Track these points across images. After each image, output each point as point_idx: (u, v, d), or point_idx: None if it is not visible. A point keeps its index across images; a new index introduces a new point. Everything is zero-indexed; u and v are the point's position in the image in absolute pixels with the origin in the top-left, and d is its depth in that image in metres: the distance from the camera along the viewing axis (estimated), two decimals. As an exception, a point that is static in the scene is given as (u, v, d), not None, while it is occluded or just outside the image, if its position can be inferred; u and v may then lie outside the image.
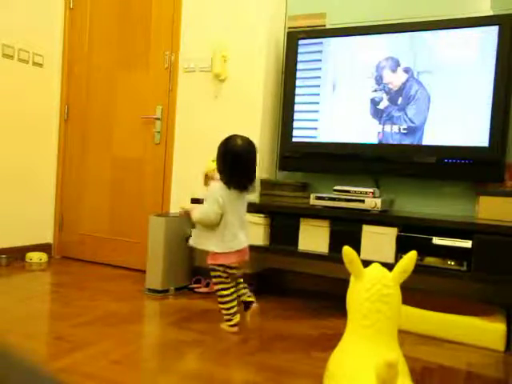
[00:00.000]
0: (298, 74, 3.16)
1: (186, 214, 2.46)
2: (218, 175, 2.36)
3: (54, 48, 4.01)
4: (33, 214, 3.90)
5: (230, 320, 2.38)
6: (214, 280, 2.41)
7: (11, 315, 2.44)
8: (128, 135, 3.77)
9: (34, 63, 3.85)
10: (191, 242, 2.42)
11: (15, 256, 3.75)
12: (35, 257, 3.78)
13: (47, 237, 4.05)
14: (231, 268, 2.39)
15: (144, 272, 3.19)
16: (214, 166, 2.39)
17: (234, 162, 2.30)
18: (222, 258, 2.35)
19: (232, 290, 2.41)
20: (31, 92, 3.85)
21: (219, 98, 3.34)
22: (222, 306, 2.40)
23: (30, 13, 3.78)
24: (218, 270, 2.39)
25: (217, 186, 2.34)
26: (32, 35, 3.81)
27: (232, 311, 2.38)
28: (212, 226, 2.33)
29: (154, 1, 3.63)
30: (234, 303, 2.40)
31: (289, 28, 3.26)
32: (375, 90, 2.97)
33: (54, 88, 4.04)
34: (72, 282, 3.18)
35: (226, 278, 2.40)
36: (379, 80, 2.95)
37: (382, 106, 2.95)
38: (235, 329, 2.36)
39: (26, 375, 0.45)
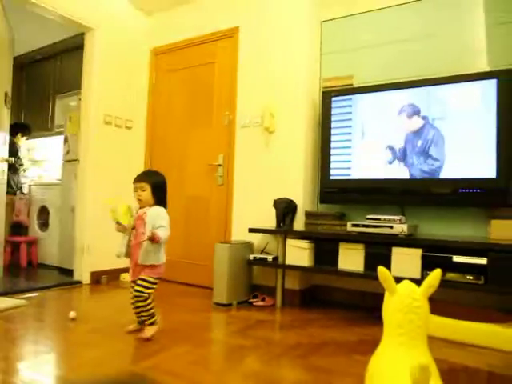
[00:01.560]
0: (333, 125, 3.13)
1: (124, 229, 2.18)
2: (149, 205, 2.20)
3: (141, 114, 4.12)
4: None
5: (155, 321, 2.23)
6: (148, 292, 2.14)
7: (110, 322, 2.47)
8: (197, 178, 3.78)
9: (126, 127, 3.98)
10: (140, 259, 2.13)
11: (112, 276, 3.81)
12: (127, 277, 3.74)
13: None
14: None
15: (211, 289, 3.21)
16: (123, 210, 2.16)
17: (165, 189, 2.25)
18: (162, 270, 2.20)
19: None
20: (124, 150, 3.96)
21: (269, 147, 3.35)
22: (149, 312, 2.19)
23: (123, 88, 3.89)
24: (155, 284, 2.19)
25: (164, 210, 2.20)
26: (125, 105, 3.92)
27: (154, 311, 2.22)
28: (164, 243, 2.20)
29: (216, 73, 3.66)
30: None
31: (323, 88, 3.23)
32: (397, 134, 2.91)
33: (141, 145, 4.14)
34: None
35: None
36: (399, 126, 2.89)
37: (403, 147, 2.88)
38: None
39: None
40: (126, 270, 3.82)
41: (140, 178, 2.20)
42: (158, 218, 2.13)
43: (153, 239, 2.08)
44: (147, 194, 2.18)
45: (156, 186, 2.20)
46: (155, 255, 2.16)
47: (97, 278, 3.69)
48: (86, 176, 3.66)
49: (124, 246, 2.19)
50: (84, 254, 3.63)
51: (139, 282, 2.17)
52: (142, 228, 2.14)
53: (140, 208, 2.21)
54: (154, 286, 2.19)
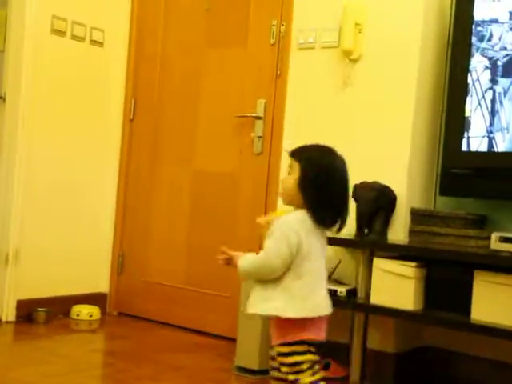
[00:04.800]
0: (477, 50, 3.07)
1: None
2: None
3: (119, 20, 4.14)
4: (82, 252, 3.97)
5: None
6: (290, 370, 2.15)
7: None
8: (216, 141, 3.79)
9: (93, 41, 3.97)
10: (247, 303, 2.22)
11: (57, 310, 3.78)
12: (84, 312, 3.80)
13: (101, 284, 4.11)
14: (315, 346, 2.16)
15: (233, 341, 3.20)
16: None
17: (335, 184, 2.20)
18: (306, 330, 2.14)
19: None
20: (86, 80, 3.96)
21: (350, 87, 3.33)
22: None
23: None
24: (299, 353, 2.14)
25: (294, 217, 2.18)
26: (91, 2, 3.97)
27: None
28: (271, 276, 2.16)
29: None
30: None
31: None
32: None
33: (117, 75, 4.14)
34: (131, 351, 3.23)
35: (313, 365, 2.15)
36: None
37: None
38: None
39: None
40: (80, 300, 3.89)
41: (293, 152, 2.24)
42: (270, 232, 2.18)
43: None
44: (292, 181, 2.18)
45: (312, 169, 2.19)
46: (270, 299, 2.16)
47: (28, 311, 3.66)
48: (16, 128, 3.68)
49: None
50: (8, 268, 3.65)
51: (274, 354, 2.21)
52: None
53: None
54: (300, 360, 2.14)
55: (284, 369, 2.14)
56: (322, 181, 2.17)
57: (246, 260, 2.17)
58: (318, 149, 2.29)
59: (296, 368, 2.13)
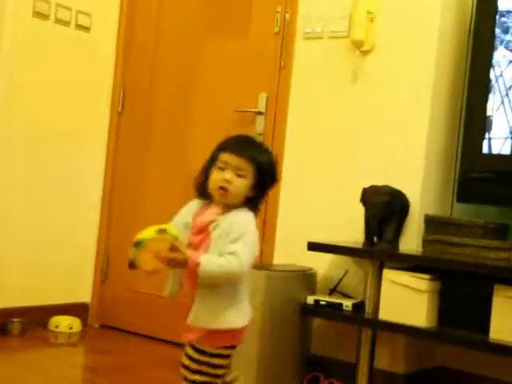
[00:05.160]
0: (500, 38, 3.06)
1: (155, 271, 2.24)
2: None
3: (108, 3, 4.16)
4: (62, 257, 3.94)
5: None
6: (215, 373, 2.21)
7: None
8: (213, 139, 3.64)
9: (79, 26, 3.97)
10: (191, 316, 2.25)
11: (34, 320, 3.76)
12: (63, 323, 3.79)
13: (82, 293, 4.09)
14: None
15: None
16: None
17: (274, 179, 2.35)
18: (241, 335, 2.27)
19: None
20: (70, 69, 3.94)
21: (361, 80, 3.33)
22: None
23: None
24: (228, 357, 2.24)
25: (251, 218, 2.26)
26: None
27: None
28: (230, 282, 2.20)
29: None
30: None
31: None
32: None
33: (105, 63, 4.15)
34: (114, 368, 3.19)
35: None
36: None
37: None
38: None
39: None
40: (59, 310, 3.88)
41: (241, 149, 2.24)
42: (235, 233, 2.18)
43: (191, 272, 2.12)
44: (243, 184, 2.21)
45: (264, 172, 2.26)
46: (225, 310, 2.20)
47: (2, 321, 3.66)
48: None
49: (175, 281, 2.29)
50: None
51: (189, 351, 2.23)
52: (205, 248, 2.21)
53: (205, 207, 2.29)
54: (223, 363, 2.22)
55: (206, 369, 2.17)
56: (273, 183, 2.31)
57: (211, 262, 2.12)
58: (262, 148, 2.34)
59: (217, 371, 2.18)
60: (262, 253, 3.44)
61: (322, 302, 3.04)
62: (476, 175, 3.04)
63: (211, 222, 2.20)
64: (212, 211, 2.22)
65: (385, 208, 3.00)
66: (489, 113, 3.04)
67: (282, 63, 3.52)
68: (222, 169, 2.20)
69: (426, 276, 2.81)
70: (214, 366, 2.19)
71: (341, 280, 3.22)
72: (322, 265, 3.30)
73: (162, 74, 4.00)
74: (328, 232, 3.27)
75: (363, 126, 3.28)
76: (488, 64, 3.05)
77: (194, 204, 2.28)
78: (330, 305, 3.02)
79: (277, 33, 3.55)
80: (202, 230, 2.20)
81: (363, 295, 3.04)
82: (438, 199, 3.26)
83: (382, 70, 3.25)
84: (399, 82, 3.21)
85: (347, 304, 2.99)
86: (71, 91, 3.94)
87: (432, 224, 3.07)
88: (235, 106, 3.64)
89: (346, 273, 3.23)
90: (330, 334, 3.32)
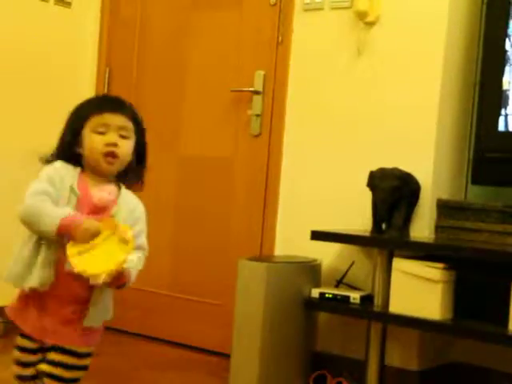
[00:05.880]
0: None
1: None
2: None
3: None
4: None
5: None
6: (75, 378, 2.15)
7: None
8: (207, 121, 3.79)
9: (58, 1, 3.98)
10: (90, 316, 2.14)
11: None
12: None
13: None
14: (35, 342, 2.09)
15: (226, 357, 3.26)
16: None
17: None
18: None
19: None
20: (50, 47, 3.95)
21: (365, 55, 3.30)
22: None
23: None
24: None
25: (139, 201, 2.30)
26: None
27: None
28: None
29: None
30: None
31: None
32: None
33: (88, 41, 4.18)
34: (106, 369, 3.19)
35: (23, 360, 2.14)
36: None
37: None
38: None
39: None
40: None
41: (122, 107, 2.18)
42: (135, 220, 2.19)
43: (118, 283, 2.04)
44: (130, 146, 2.14)
45: (143, 132, 2.24)
46: (108, 306, 2.20)
47: None
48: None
49: (50, 265, 2.04)
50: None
51: (59, 357, 2.06)
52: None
53: (88, 177, 2.14)
54: (88, 363, 2.17)
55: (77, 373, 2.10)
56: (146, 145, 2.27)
57: (139, 265, 2.15)
58: (131, 104, 2.26)
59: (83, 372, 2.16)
60: (261, 243, 3.60)
61: (327, 295, 3.02)
62: (492, 155, 3.01)
63: (114, 202, 2.09)
64: (109, 188, 2.09)
65: (394, 193, 2.97)
66: (505, 87, 3.00)
67: (280, 38, 3.51)
68: (103, 133, 2.06)
69: (440, 265, 2.78)
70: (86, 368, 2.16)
71: (347, 271, 3.22)
72: (327, 255, 3.30)
73: (149, 51, 4.01)
74: (333, 220, 3.29)
75: (369, 104, 3.27)
76: (503, 34, 3.01)
77: (66, 169, 2.05)
78: (336, 298, 3.01)
79: (273, 4, 3.54)
80: (100, 210, 2.06)
81: (372, 287, 3.04)
82: (451, 182, 3.27)
83: (388, 43, 3.23)
84: (407, 56, 3.19)
85: (355, 296, 2.98)
86: (52, 72, 3.94)
87: (445, 209, 3.06)
88: (230, 85, 3.64)
89: (352, 263, 3.22)
90: (336, 330, 3.34)
